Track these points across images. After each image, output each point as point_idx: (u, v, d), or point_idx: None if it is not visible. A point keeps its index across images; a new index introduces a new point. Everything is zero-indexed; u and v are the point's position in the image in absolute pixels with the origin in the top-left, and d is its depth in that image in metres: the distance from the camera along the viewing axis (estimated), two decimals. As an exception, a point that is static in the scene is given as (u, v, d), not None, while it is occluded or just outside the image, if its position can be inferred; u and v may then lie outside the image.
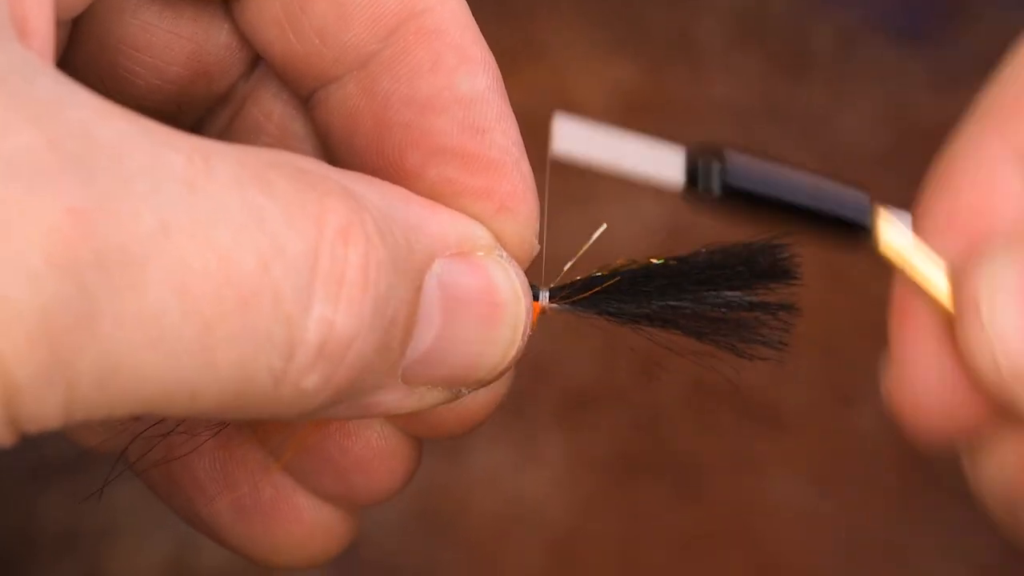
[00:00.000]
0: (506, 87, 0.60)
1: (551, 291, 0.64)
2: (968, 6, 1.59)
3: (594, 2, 1.61)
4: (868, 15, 1.61)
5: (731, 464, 1.34)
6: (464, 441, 1.32)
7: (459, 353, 0.56)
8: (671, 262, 0.63)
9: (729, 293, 0.63)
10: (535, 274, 0.64)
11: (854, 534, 1.30)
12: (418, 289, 0.54)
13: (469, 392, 0.59)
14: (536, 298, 0.63)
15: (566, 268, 0.65)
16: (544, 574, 1.28)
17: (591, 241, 0.65)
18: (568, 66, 1.54)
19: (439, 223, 0.56)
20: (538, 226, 0.62)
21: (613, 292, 0.64)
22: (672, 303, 0.63)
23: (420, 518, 1.30)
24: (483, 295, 0.57)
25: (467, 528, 1.30)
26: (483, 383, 0.59)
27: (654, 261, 0.64)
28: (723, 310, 0.63)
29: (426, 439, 0.68)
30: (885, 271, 0.62)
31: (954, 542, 1.29)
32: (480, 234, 0.58)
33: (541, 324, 0.64)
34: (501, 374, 0.60)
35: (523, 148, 0.61)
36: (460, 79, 0.59)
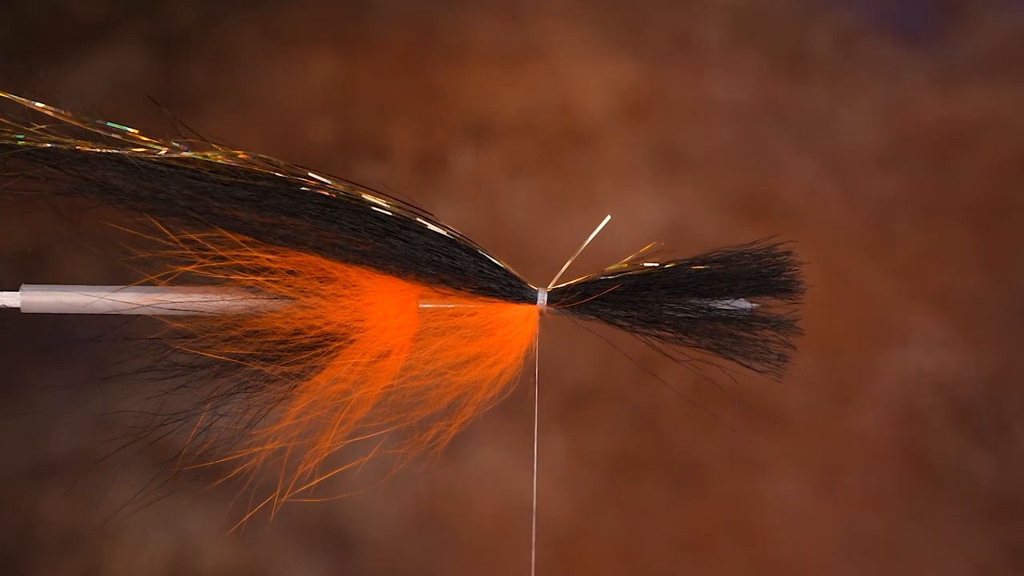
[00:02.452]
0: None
1: (550, 295, 0.64)
2: (968, 6, 1.59)
3: (594, 2, 1.61)
4: (868, 15, 1.61)
5: (731, 463, 1.34)
6: (464, 441, 1.31)
7: None
8: (669, 267, 0.63)
9: (728, 304, 0.63)
10: (534, 274, 0.64)
11: (854, 534, 1.30)
12: None
13: None
14: (534, 301, 0.63)
15: (567, 265, 0.64)
16: (545, 573, 1.28)
17: (595, 232, 0.65)
18: (568, 66, 1.53)
19: None
20: None
21: (611, 298, 0.63)
22: (670, 312, 0.63)
23: (420, 518, 1.30)
24: None
25: (467, 528, 1.30)
26: None
27: (653, 266, 0.63)
28: (722, 320, 0.62)
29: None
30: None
31: (954, 542, 1.29)
32: None
33: (541, 324, 0.63)
34: None
35: None
36: None
